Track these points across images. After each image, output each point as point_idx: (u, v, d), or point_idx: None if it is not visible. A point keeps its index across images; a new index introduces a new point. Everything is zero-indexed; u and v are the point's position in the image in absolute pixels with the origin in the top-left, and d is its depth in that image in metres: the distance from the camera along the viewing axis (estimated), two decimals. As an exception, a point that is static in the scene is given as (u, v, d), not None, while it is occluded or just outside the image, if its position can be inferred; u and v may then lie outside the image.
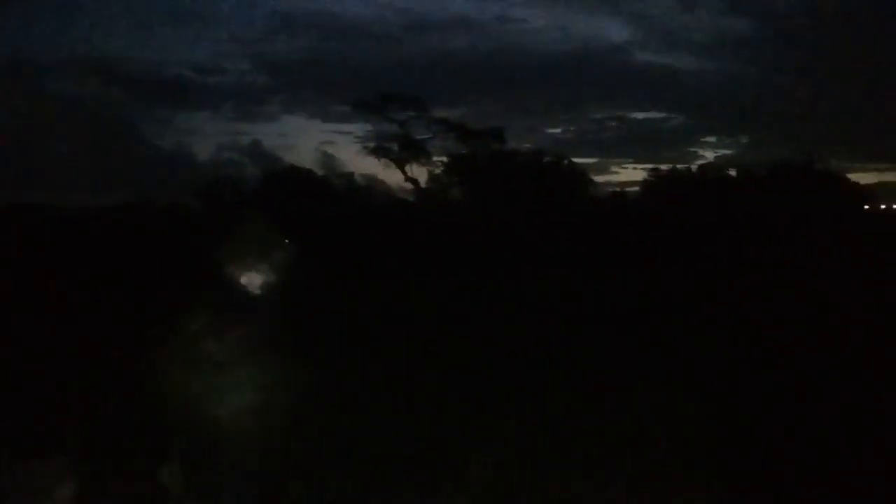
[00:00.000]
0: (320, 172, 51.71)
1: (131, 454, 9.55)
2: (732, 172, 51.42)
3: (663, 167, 54.56)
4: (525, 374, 14.24)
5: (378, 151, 45.67)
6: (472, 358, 15.50)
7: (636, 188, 55.32)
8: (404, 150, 45.51)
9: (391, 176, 52.99)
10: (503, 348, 16.49)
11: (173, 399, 11.96)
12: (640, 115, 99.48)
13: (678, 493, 8.83)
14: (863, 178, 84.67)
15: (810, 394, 12.81)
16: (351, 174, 51.03)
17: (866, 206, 52.00)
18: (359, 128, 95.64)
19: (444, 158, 46.39)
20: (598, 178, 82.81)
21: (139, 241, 39.65)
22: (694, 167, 54.04)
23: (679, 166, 53.78)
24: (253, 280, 30.50)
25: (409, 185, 46.74)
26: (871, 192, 54.53)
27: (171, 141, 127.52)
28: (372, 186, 50.73)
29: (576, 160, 50.70)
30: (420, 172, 46.01)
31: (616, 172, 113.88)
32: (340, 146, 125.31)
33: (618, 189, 57.91)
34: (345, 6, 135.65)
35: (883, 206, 56.82)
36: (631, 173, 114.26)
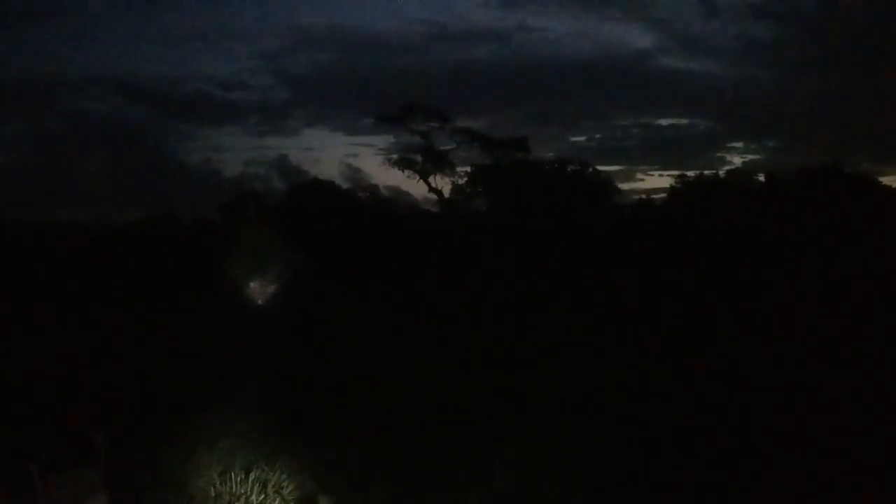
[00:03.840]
0: (345, 185, 51.79)
1: (163, 466, 9.43)
2: (761, 177, 50.53)
3: (690, 174, 53.75)
4: (550, 380, 13.95)
5: (401, 163, 45.47)
6: (497, 365, 15.24)
7: (663, 195, 54.58)
8: (427, 161, 45.28)
9: (415, 187, 52.85)
10: (530, 356, 16.22)
11: (202, 412, 11.82)
12: (664, 122, 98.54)
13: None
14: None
15: (844, 401, 12.41)
16: (375, 186, 51.04)
17: (900, 210, 50.80)
18: (382, 140, 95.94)
19: (468, 168, 46.09)
20: (624, 186, 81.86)
21: (163, 257, 39.88)
22: (721, 173, 53.03)
23: (706, 172, 52.89)
24: (265, 291, 30.55)
25: (433, 196, 46.54)
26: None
27: (197, 157, 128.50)
28: (396, 198, 50.68)
29: (601, 168, 50.08)
30: (444, 183, 45.75)
31: (642, 180, 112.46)
32: (364, 158, 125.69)
33: (644, 196, 57.09)
34: (365, 19, 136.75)
35: (918, 210, 55.48)
36: (657, 180, 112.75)
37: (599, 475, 9.12)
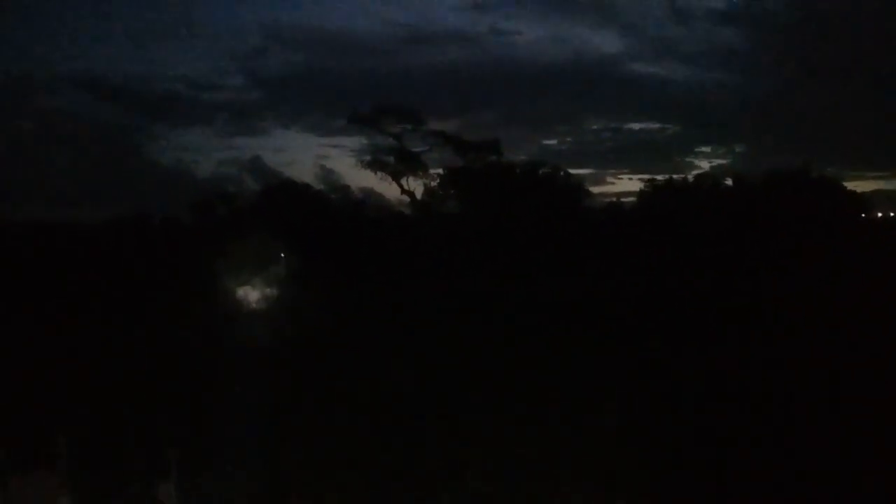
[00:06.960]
0: (318, 186, 51.58)
1: (129, 471, 9.39)
2: (729, 182, 51.21)
3: (659, 177, 54.41)
4: (521, 382, 14.12)
5: (374, 165, 45.43)
6: (469, 367, 15.39)
7: (632, 199, 55.11)
8: (400, 163, 45.27)
9: (388, 189, 52.73)
10: (501, 358, 16.39)
11: (170, 417, 11.78)
12: (635, 126, 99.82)
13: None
14: (860, 186, 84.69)
15: (808, 400, 12.73)
16: (348, 188, 50.91)
17: (863, 214, 51.86)
18: (354, 141, 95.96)
19: (440, 171, 46.18)
20: (595, 189, 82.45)
21: (133, 257, 39.54)
22: (690, 177, 53.68)
23: (675, 176, 53.54)
24: (249, 294, 30.44)
25: (405, 198, 46.53)
26: (868, 201, 54.40)
27: (168, 157, 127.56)
28: (369, 200, 50.58)
29: (572, 171, 50.53)
30: (416, 185, 45.81)
31: (612, 183, 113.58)
32: (337, 159, 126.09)
33: (614, 200, 57.64)
34: (337, 20, 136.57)
35: (880, 214, 56.78)
36: (627, 184, 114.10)
37: (577, 473, 9.25)
